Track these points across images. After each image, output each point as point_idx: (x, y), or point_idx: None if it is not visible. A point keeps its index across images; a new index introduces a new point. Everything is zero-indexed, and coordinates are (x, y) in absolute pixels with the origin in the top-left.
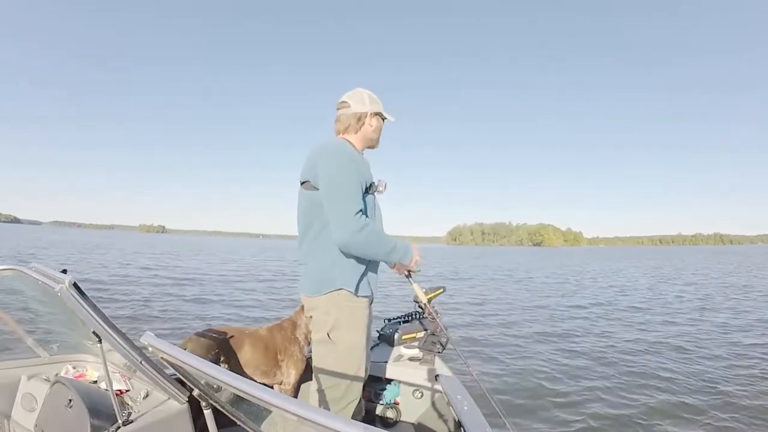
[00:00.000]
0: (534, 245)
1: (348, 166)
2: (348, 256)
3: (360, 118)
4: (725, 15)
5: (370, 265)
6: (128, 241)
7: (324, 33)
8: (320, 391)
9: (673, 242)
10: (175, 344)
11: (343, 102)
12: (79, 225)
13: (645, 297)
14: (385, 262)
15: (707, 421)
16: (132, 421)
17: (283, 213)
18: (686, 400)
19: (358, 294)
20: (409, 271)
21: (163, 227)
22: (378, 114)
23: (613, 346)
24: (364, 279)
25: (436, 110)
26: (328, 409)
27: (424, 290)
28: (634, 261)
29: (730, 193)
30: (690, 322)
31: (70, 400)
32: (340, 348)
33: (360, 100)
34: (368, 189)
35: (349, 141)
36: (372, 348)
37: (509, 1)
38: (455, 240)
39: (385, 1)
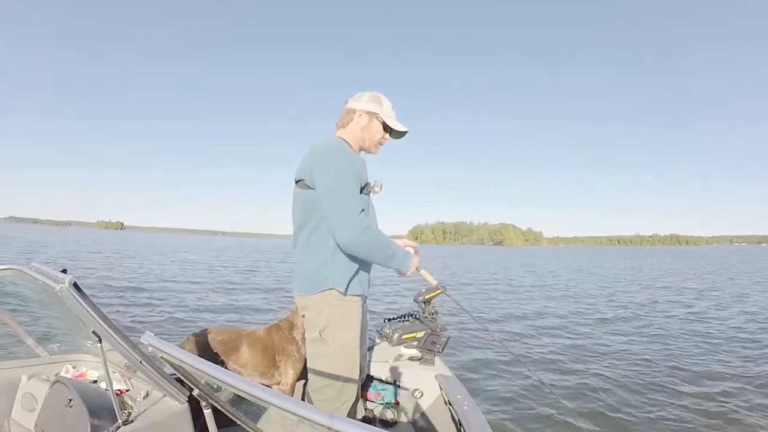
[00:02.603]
0: (495, 244)
1: (347, 165)
2: (341, 255)
3: (349, 113)
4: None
5: (363, 264)
6: (76, 237)
7: (324, 33)
8: (315, 390)
9: (631, 242)
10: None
11: (347, 100)
12: (36, 221)
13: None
14: (384, 266)
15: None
16: (132, 421)
17: (242, 211)
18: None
19: (350, 293)
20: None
21: (122, 224)
22: (374, 115)
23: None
24: (356, 278)
25: (399, 108)
26: (324, 408)
27: (424, 290)
28: (602, 260)
29: (687, 195)
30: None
31: (70, 400)
32: (333, 347)
33: (358, 98)
34: (363, 189)
35: (344, 140)
36: (372, 348)
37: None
38: (416, 239)
39: (385, 1)
